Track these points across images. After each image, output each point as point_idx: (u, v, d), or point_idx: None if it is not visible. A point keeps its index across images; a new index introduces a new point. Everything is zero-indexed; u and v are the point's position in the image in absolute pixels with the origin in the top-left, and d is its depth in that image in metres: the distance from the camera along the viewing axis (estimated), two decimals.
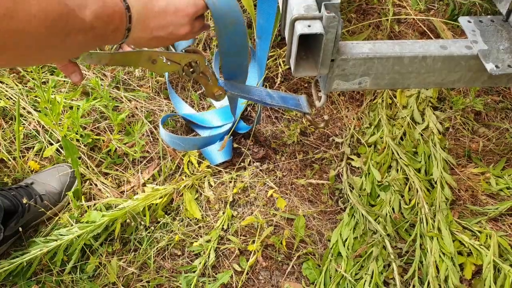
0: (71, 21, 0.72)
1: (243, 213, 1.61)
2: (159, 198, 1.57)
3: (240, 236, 1.56)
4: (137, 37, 0.89)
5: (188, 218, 1.58)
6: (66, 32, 0.72)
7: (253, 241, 1.53)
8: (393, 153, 1.73)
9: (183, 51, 1.09)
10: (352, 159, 1.75)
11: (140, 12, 0.86)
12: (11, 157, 1.65)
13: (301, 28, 1.05)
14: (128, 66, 1.05)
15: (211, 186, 1.65)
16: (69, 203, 1.59)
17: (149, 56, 1.01)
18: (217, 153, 1.68)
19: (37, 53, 0.72)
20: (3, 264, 1.40)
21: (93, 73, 1.93)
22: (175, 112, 1.82)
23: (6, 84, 1.86)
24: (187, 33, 0.96)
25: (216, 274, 1.48)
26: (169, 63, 1.04)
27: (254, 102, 1.74)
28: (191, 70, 1.08)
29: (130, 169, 1.68)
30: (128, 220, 1.51)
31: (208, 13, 1.02)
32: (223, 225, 1.56)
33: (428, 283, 1.45)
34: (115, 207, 1.55)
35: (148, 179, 1.66)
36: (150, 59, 1.02)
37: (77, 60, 0.96)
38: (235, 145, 1.75)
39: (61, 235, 1.46)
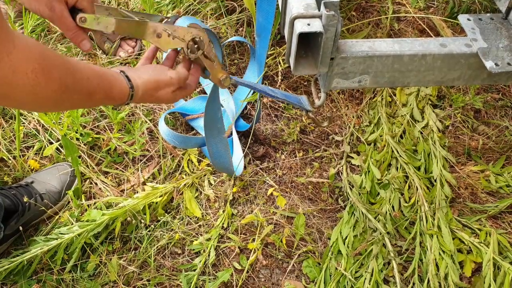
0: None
1: (243, 211, 1.61)
2: (159, 197, 1.58)
3: (240, 234, 1.56)
4: (136, 102, 1.05)
5: (188, 217, 1.58)
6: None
7: (253, 240, 1.53)
8: (392, 151, 1.73)
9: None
10: (352, 157, 1.75)
11: (140, 94, 1.03)
12: (11, 156, 1.65)
13: (301, 26, 1.06)
14: (135, 36, 1.09)
15: (211, 184, 1.66)
16: (69, 202, 1.59)
17: (154, 29, 1.03)
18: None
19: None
20: (4, 263, 1.40)
21: None
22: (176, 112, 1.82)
23: None
24: (175, 99, 1.13)
25: (216, 272, 1.48)
26: (173, 38, 1.06)
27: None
28: (196, 46, 1.09)
29: (130, 167, 1.69)
30: (128, 219, 1.51)
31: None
32: (223, 224, 1.57)
33: (428, 280, 1.45)
34: (115, 206, 1.55)
35: (148, 177, 1.66)
36: (155, 33, 1.04)
37: (85, 24, 0.98)
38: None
39: (62, 234, 1.46)
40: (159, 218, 1.56)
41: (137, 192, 1.60)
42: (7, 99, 0.79)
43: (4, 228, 1.43)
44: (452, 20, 2.07)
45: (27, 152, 1.69)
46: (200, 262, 1.48)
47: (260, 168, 1.71)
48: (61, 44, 2.05)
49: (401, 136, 1.79)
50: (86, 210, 1.55)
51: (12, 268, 1.41)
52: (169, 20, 1.12)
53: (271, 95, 1.35)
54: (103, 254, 1.47)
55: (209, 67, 1.15)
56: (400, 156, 1.72)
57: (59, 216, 1.55)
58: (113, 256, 1.48)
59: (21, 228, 1.45)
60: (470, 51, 1.19)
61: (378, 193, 1.65)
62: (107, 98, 0.97)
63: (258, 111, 1.73)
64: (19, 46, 0.73)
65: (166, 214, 1.57)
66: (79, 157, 1.65)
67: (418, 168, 1.70)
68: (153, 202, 1.57)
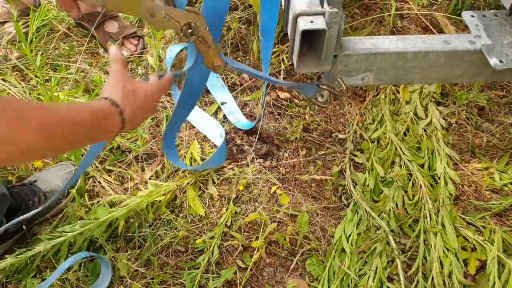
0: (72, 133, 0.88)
1: (246, 209, 1.61)
2: (163, 195, 1.58)
3: (244, 232, 1.56)
4: (127, 128, 1.01)
5: (192, 215, 1.58)
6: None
7: (257, 238, 1.53)
8: (396, 148, 1.73)
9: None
10: (355, 155, 1.75)
11: (130, 111, 1.00)
12: None
13: (304, 24, 1.05)
14: (126, 12, 1.05)
15: (214, 182, 1.65)
16: (73, 201, 1.59)
17: (148, 8, 1.00)
18: (212, 164, 1.67)
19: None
20: (8, 259, 1.40)
21: (95, 70, 1.94)
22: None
23: (9, 82, 1.86)
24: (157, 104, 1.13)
25: (220, 270, 1.48)
26: (167, 20, 1.03)
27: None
28: (189, 31, 1.07)
29: (133, 166, 1.69)
30: (131, 218, 1.51)
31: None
32: (226, 222, 1.57)
33: (432, 278, 1.45)
34: (119, 204, 1.55)
35: (151, 176, 1.66)
36: (149, 11, 1.01)
37: None
38: (238, 142, 1.76)
39: (65, 232, 1.46)
40: (162, 216, 1.56)
41: (141, 191, 1.60)
42: None
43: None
44: (455, 17, 2.06)
45: None
46: (203, 260, 1.48)
47: (263, 166, 1.71)
48: (64, 43, 2.05)
49: (404, 134, 1.79)
50: (90, 209, 1.55)
51: (16, 265, 1.41)
52: None
53: (273, 81, 1.35)
54: (110, 251, 1.47)
55: (204, 52, 1.13)
56: (403, 153, 1.71)
57: (63, 215, 1.55)
58: (117, 254, 1.48)
59: (24, 226, 1.45)
60: (474, 48, 1.19)
61: (382, 191, 1.65)
62: (95, 119, 0.93)
63: (262, 109, 1.73)
64: None
65: (170, 213, 1.57)
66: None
67: (422, 166, 1.70)
68: (156, 200, 1.57)
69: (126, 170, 1.68)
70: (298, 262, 1.51)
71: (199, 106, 1.85)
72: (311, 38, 1.12)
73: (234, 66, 1.22)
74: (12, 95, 1.81)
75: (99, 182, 1.63)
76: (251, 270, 1.48)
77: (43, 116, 0.82)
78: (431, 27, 2.07)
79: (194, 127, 1.81)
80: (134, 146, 1.70)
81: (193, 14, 1.06)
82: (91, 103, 0.96)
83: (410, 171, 1.68)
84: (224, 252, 1.52)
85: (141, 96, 1.03)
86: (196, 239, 1.53)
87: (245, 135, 1.79)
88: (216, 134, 1.77)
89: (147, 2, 1.00)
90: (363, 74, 1.21)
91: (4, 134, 0.75)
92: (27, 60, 1.88)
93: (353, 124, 1.82)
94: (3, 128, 0.74)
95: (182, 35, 1.07)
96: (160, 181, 1.64)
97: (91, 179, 1.64)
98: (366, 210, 1.57)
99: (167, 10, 1.02)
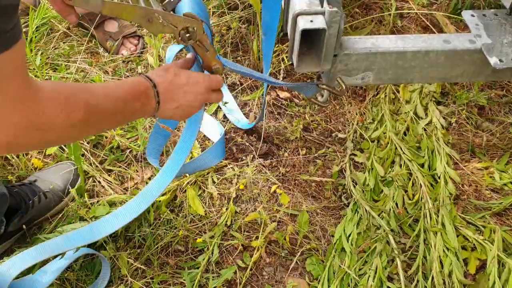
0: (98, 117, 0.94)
1: (246, 209, 1.61)
2: (162, 195, 1.58)
3: (244, 232, 1.56)
4: (165, 108, 1.06)
5: (192, 215, 1.58)
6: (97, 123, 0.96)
7: (257, 237, 1.53)
8: (396, 148, 1.73)
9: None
10: (355, 155, 1.75)
11: (166, 87, 1.05)
12: (14, 154, 1.65)
13: (304, 23, 1.05)
14: (124, 19, 1.05)
15: (214, 182, 1.65)
16: (73, 200, 1.59)
17: (145, 13, 1.00)
18: (209, 158, 1.65)
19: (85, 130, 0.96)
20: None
21: (95, 70, 1.94)
22: None
23: None
24: (204, 99, 1.13)
25: (219, 270, 1.48)
26: (164, 25, 1.03)
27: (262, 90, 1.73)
28: (187, 35, 1.07)
29: (133, 165, 1.69)
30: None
31: None
32: (226, 221, 1.57)
33: (432, 278, 1.45)
34: (119, 204, 1.55)
35: (151, 175, 1.66)
36: (146, 17, 1.01)
37: (71, 2, 0.96)
38: (238, 141, 1.76)
39: (65, 231, 1.46)
40: (162, 216, 1.56)
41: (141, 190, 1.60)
42: (49, 143, 0.92)
43: (7, 225, 1.43)
44: (455, 17, 2.06)
45: None
46: (203, 260, 1.48)
47: (263, 166, 1.71)
48: (64, 43, 2.05)
49: (404, 133, 1.79)
50: (89, 208, 1.55)
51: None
52: (171, 0, 1.10)
53: (272, 82, 1.35)
54: (110, 250, 1.47)
55: (202, 55, 1.14)
56: (403, 153, 1.71)
57: (63, 214, 1.55)
58: (117, 253, 1.48)
59: (24, 226, 1.45)
60: (474, 47, 1.19)
61: (382, 191, 1.65)
62: (135, 101, 1.00)
63: (262, 109, 1.73)
64: (44, 97, 0.81)
65: (169, 212, 1.57)
66: (82, 155, 1.65)
67: (422, 165, 1.70)
68: (156, 200, 1.56)
69: (126, 169, 1.68)
70: (298, 262, 1.51)
71: None
72: (311, 38, 1.12)
73: (232, 68, 1.23)
74: None
75: (99, 182, 1.63)
76: (251, 269, 1.48)
77: (89, 99, 0.90)
78: (431, 26, 2.07)
79: None
80: (134, 145, 1.70)
81: (191, 19, 1.06)
82: (128, 79, 1.03)
83: (410, 170, 1.68)
84: (224, 252, 1.52)
85: (182, 78, 1.08)
86: (196, 239, 1.53)
87: (245, 135, 1.79)
88: (215, 133, 1.77)
89: (144, 7, 1.00)
90: (363, 74, 1.21)
91: (57, 120, 0.84)
92: (27, 59, 1.88)
93: (353, 124, 1.82)
94: (57, 115, 0.83)
95: (180, 39, 1.07)
96: None
97: (91, 178, 1.64)
98: (366, 210, 1.57)
99: (165, 16, 1.02)
